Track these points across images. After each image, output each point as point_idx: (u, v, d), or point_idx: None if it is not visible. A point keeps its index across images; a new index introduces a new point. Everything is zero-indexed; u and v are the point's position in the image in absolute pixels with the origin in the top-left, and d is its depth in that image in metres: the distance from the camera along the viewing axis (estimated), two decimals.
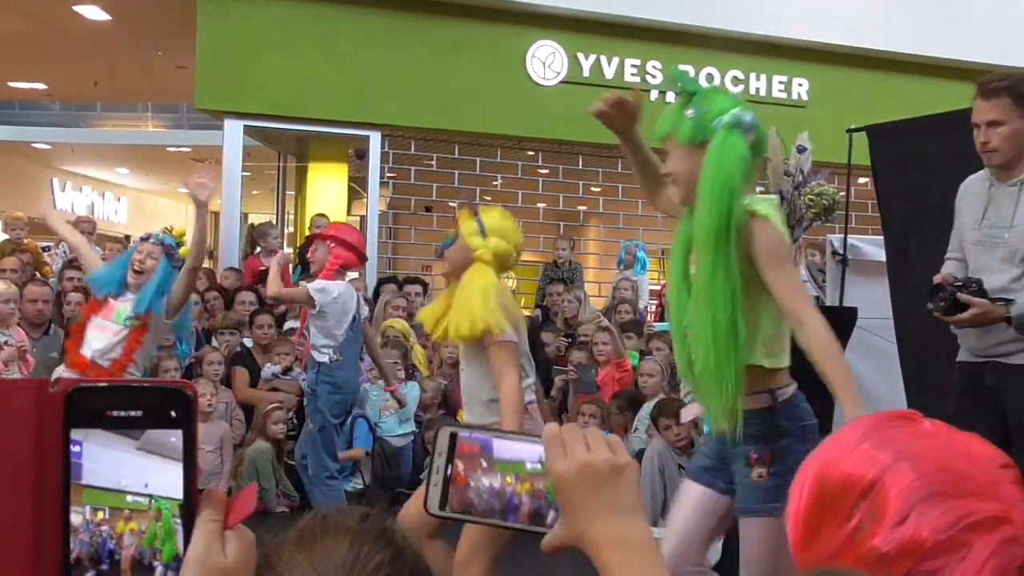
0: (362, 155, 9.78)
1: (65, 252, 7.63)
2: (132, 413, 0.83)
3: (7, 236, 8.08)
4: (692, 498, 2.75)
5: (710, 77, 10.02)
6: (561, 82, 9.66)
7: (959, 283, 3.30)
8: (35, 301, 6.07)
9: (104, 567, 0.83)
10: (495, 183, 10.33)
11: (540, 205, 10.74)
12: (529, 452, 1.01)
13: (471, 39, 9.41)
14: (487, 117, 9.45)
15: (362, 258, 5.60)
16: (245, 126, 9.17)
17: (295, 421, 6.25)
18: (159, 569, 0.84)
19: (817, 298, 6.87)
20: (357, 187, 10.34)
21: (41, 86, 14.15)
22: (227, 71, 8.84)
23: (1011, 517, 0.84)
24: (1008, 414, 3.33)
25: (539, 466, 0.99)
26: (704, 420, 2.64)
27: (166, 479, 0.83)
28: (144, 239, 4.81)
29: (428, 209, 10.89)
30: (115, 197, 21.27)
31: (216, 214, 9.90)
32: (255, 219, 11.47)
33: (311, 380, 5.50)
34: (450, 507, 1.01)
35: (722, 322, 2.45)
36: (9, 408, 0.82)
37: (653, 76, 9.86)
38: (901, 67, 10.25)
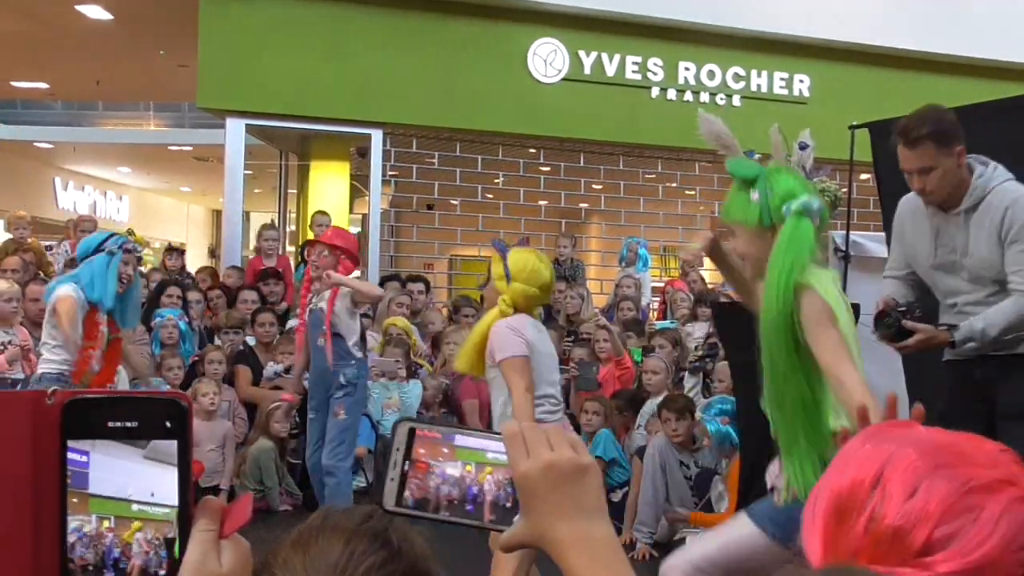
0: (364, 153, 9.78)
1: (67, 251, 7.62)
2: (128, 424, 0.84)
3: (10, 235, 8.08)
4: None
5: (711, 74, 10.03)
6: (562, 79, 9.65)
7: (902, 308, 3.34)
8: (38, 300, 6.07)
9: (110, 575, 0.84)
10: (497, 181, 10.34)
11: (542, 202, 10.74)
12: (492, 446, 0.99)
13: (473, 37, 9.41)
14: (489, 115, 9.45)
15: (356, 262, 5.66)
16: (247, 125, 9.18)
17: (298, 419, 6.26)
18: None
19: None
20: (359, 185, 10.35)
21: (43, 85, 14.16)
22: (229, 70, 8.85)
23: (1017, 481, 0.86)
24: (999, 401, 3.35)
25: (501, 456, 0.97)
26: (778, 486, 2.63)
27: (173, 488, 0.84)
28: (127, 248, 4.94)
29: (430, 207, 10.89)
30: (117, 196, 21.29)
31: (218, 212, 9.92)
32: (257, 218, 11.47)
33: (352, 375, 5.44)
34: (405, 504, 0.99)
35: (809, 401, 2.47)
36: (6, 419, 0.83)
37: (654, 73, 9.86)
38: (902, 63, 10.24)
